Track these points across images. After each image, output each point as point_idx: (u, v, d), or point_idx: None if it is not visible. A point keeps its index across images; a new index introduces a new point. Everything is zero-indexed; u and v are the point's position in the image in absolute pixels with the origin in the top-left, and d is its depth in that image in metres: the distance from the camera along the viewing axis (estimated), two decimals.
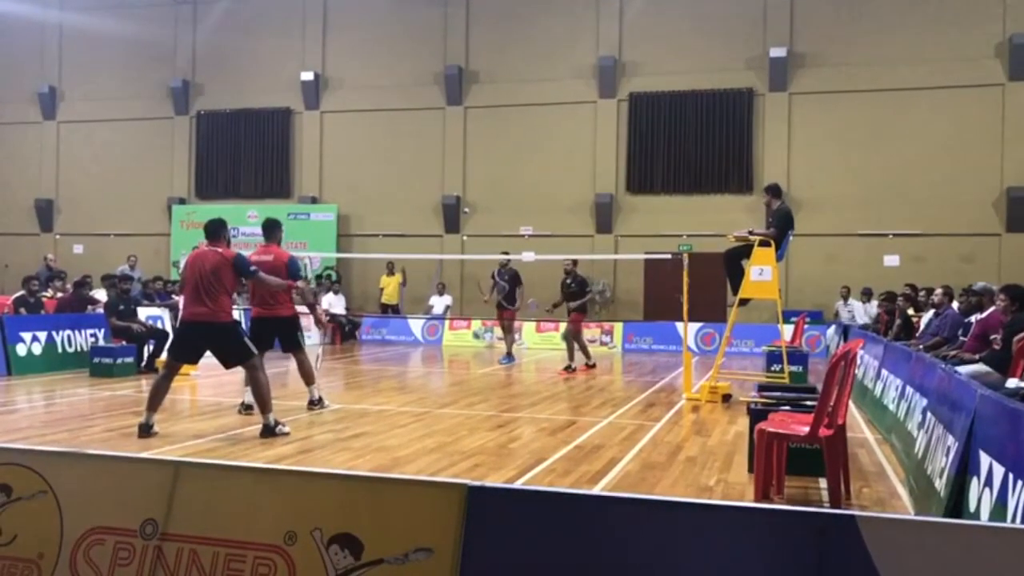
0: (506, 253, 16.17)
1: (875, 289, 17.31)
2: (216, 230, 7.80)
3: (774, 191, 11.12)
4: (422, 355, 17.82)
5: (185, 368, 11.65)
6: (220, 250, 7.69)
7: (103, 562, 3.10)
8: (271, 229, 9.22)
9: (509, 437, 8.10)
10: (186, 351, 7.88)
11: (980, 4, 19.28)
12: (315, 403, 9.50)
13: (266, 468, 3.44)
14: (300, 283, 9.05)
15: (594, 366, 14.45)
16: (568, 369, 13.99)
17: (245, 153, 24.07)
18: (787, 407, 6.62)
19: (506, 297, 15.25)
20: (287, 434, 7.79)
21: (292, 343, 9.23)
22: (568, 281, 14.25)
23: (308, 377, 9.42)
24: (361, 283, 22.69)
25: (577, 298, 14.14)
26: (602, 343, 19.49)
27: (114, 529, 3.13)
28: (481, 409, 9.92)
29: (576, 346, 14.28)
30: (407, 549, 2.81)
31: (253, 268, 7.89)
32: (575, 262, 14.56)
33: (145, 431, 7.65)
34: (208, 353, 7.94)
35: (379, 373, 14.16)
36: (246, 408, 8.87)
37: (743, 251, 10.72)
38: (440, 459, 7.00)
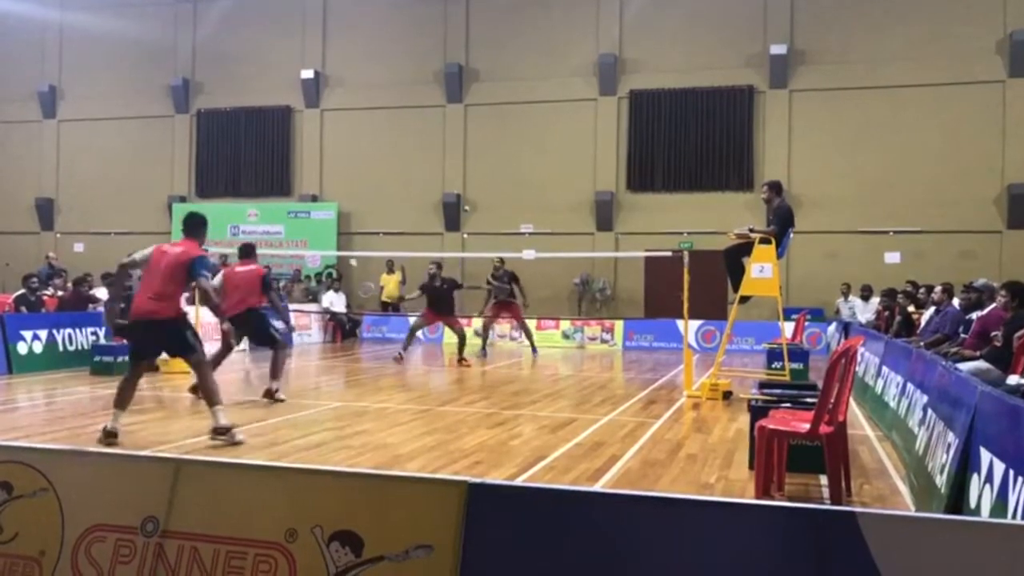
0: (501, 261, 16.57)
1: (876, 286, 17.28)
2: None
3: (776, 188, 11.07)
4: (422, 353, 17.82)
5: (183, 366, 11.66)
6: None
7: (104, 560, 3.10)
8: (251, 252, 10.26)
9: (509, 434, 8.10)
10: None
11: (980, 0, 19.26)
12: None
13: (267, 466, 3.44)
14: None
15: (399, 358, 14.75)
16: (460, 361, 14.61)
17: (245, 151, 24.06)
18: (788, 404, 6.62)
19: (510, 294, 15.71)
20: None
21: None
22: (439, 284, 14.61)
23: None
24: (361, 281, 22.66)
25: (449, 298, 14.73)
26: (603, 340, 19.49)
27: (115, 527, 3.13)
28: (481, 407, 9.92)
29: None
30: (407, 546, 2.81)
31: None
32: (439, 264, 14.93)
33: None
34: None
35: (379, 371, 14.16)
36: None
37: (743, 248, 10.70)
38: (440, 456, 7.01)
